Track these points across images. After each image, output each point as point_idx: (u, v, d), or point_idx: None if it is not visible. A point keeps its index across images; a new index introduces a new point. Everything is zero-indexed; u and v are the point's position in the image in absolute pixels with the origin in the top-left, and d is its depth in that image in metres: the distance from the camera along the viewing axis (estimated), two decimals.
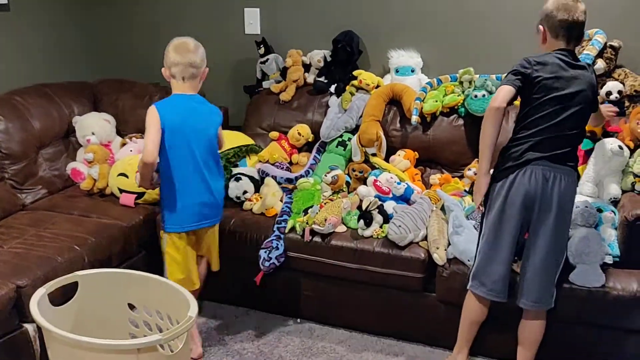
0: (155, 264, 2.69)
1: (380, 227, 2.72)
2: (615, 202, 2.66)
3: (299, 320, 2.93)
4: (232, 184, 3.00)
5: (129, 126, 3.50)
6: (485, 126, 2.24)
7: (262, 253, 2.73)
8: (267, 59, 3.58)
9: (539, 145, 2.21)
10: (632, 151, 2.74)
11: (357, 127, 3.25)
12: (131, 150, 3.21)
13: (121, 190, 3.06)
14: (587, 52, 2.90)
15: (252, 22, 3.67)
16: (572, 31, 2.24)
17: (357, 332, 2.84)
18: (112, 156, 3.27)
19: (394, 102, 3.29)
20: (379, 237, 2.68)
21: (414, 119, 3.11)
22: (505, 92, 2.20)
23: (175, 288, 1.99)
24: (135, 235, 2.92)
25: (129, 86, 3.65)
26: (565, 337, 2.46)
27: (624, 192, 2.70)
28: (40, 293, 1.93)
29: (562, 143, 2.22)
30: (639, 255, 2.43)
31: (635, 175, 2.66)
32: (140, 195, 3.02)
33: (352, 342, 2.79)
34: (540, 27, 2.28)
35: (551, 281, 2.31)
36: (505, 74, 2.27)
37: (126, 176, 3.02)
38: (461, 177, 3.12)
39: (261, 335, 2.82)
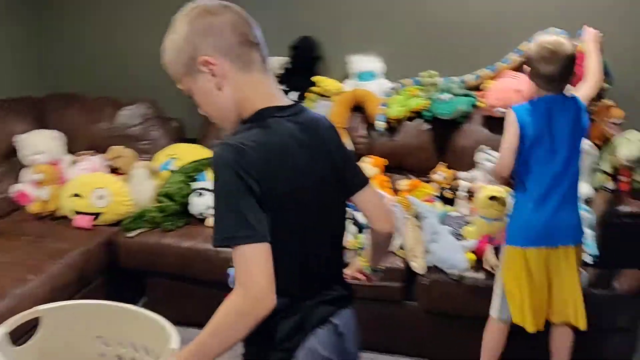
0: (115, 290, 2.51)
1: (355, 237, 2.64)
2: (587, 202, 2.67)
3: None
4: (195, 200, 2.86)
5: (80, 143, 3.27)
6: None
7: (231, 272, 2.58)
8: None
9: None
10: (599, 149, 2.76)
11: None
12: (84, 169, 3.00)
13: (76, 212, 2.86)
14: None
15: None
16: None
17: None
18: (62, 176, 3.06)
19: (358, 108, 3.21)
20: (355, 248, 2.60)
21: (381, 125, 3.04)
22: None
23: (151, 317, 1.83)
24: (94, 259, 2.73)
25: (79, 100, 3.42)
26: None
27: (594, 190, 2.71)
28: (0, 333, 1.73)
29: None
30: (617, 254, 2.44)
31: (605, 173, 2.68)
32: (97, 215, 2.83)
33: None
34: None
35: None
36: None
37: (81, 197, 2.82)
38: (428, 181, 3.07)
39: None
